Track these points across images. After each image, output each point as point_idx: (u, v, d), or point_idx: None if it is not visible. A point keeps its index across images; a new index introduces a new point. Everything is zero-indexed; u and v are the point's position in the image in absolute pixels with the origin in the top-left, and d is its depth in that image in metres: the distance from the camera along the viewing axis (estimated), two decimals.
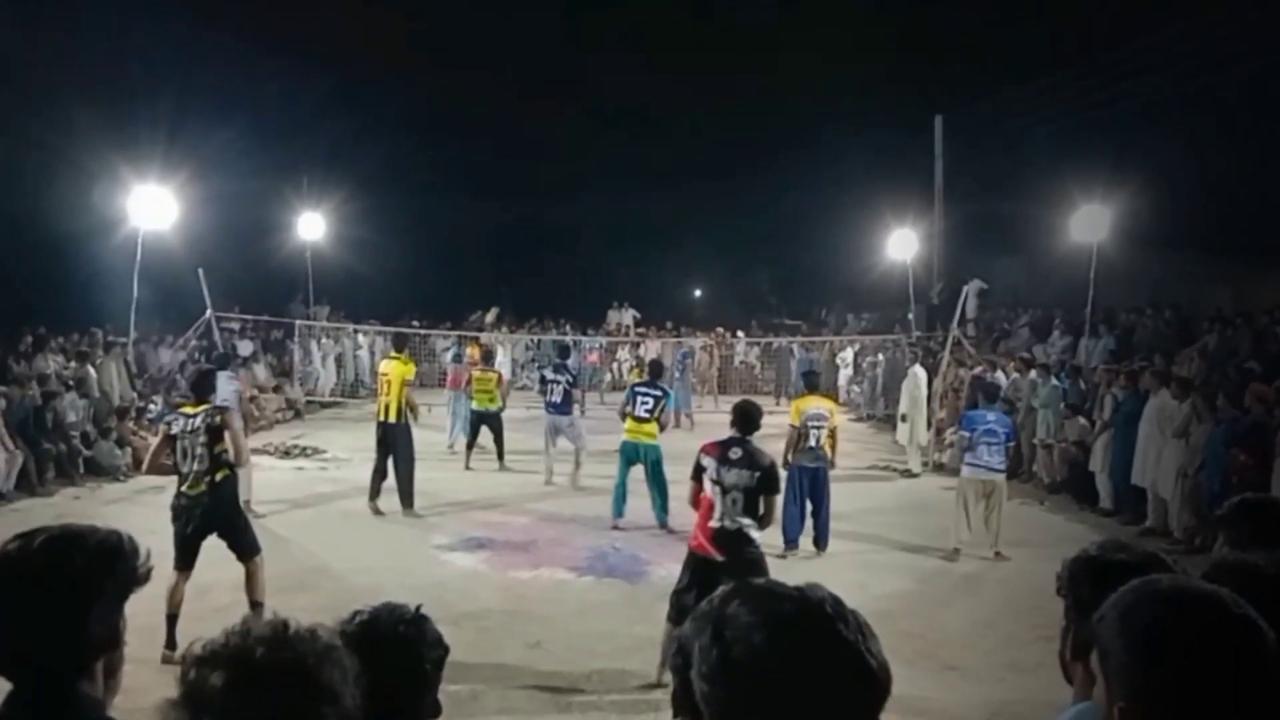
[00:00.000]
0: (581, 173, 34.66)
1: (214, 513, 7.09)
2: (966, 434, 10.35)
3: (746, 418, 6.73)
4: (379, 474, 11.69)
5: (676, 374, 20.78)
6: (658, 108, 33.85)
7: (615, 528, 11.02)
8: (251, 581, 7.14)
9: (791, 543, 10.26)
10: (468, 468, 14.51)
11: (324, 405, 21.28)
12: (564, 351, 15.64)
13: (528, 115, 34.19)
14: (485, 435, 14.87)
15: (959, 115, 22.94)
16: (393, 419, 11.49)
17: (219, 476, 7.07)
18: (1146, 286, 18.17)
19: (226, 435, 7.06)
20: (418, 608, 2.36)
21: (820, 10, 30.37)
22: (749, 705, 1.24)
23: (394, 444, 11.54)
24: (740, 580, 1.36)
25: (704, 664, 1.27)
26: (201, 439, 7.03)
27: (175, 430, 7.21)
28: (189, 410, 7.25)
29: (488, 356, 16.00)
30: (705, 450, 6.58)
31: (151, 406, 15.43)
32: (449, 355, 19.15)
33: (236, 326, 20.83)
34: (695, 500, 6.55)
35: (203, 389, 7.48)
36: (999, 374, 15.90)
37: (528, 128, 34.36)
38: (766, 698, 1.23)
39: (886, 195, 21.79)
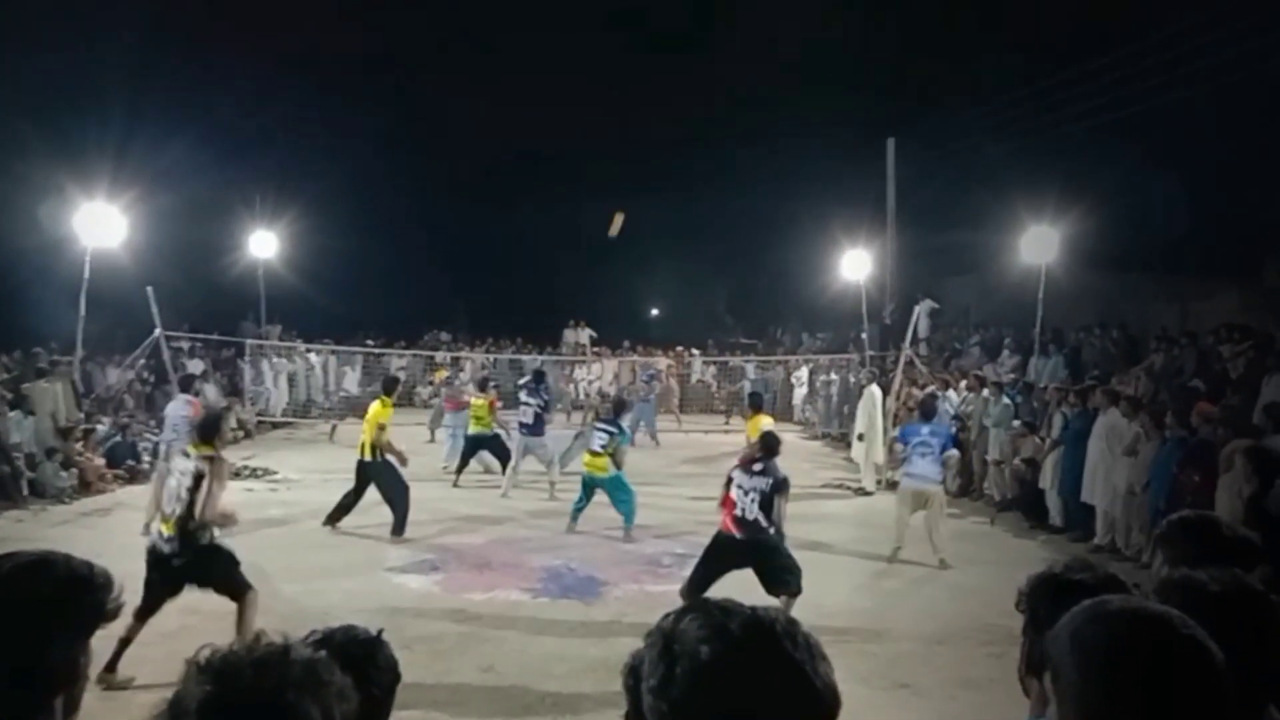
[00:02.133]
0: (538, 192, 34.65)
1: (188, 568, 6.88)
2: (901, 446, 10.82)
3: (770, 446, 8.45)
4: (345, 502, 11.66)
5: (641, 395, 20.86)
6: (612, 126, 33.96)
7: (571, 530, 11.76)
8: (241, 619, 6.89)
9: None
10: (455, 485, 14.71)
11: (275, 425, 21.04)
12: (539, 375, 15.81)
13: (482, 135, 34.10)
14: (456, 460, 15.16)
15: (911, 138, 23.24)
16: (366, 457, 11.56)
17: (193, 527, 6.84)
18: (1094, 306, 18.45)
19: (201, 485, 6.83)
20: (379, 631, 2.31)
21: (774, 34, 30.67)
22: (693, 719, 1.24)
23: (375, 481, 11.56)
24: (690, 601, 1.36)
25: (652, 677, 1.28)
26: (187, 483, 6.86)
27: (173, 466, 7.13)
28: (189, 450, 7.13)
29: (482, 384, 16.06)
30: (736, 467, 8.42)
31: (99, 427, 15.17)
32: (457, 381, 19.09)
33: (186, 346, 20.56)
34: (724, 501, 8.39)
35: (207, 433, 7.25)
36: (950, 392, 16.08)
37: (482, 148, 34.28)
38: (709, 713, 1.23)
39: (840, 216, 21.98)
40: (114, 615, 1.80)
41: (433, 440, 18.77)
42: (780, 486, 8.21)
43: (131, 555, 9.58)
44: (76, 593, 1.75)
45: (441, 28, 33.45)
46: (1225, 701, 1.43)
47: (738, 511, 8.18)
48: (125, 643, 6.64)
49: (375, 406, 11.89)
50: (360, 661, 2.13)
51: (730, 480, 8.39)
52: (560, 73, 33.96)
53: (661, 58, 33.24)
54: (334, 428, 20.50)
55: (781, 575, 8.05)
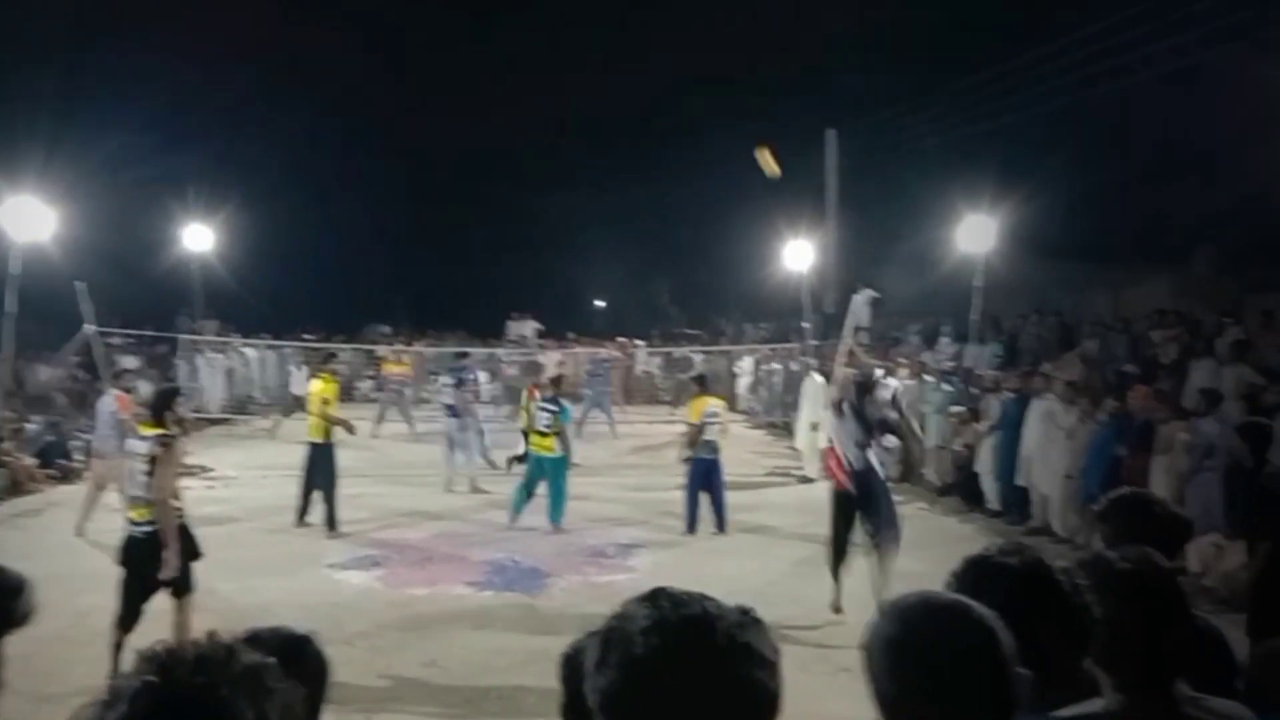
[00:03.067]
0: (477, 182, 34.48)
1: (155, 553, 6.57)
2: None
3: (865, 384, 8.61)
4: (304, 493, 11.60)
5: (586, 385, 20.76)
6: (554, 118, 33.89)
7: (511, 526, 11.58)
8: (179, 620, 6.65)
9: (691, 528, 11.25)
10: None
11: (212, 422, 20.68)
12: (460, 354, 15.72)
13: (421, 125, 33.83)
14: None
15: (851, 130, 23.40)
16: (315, 438, 11.51)
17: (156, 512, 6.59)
18: (1030, 294, 18.74)
19: (155, 468, 6.59)
20: (309, 632, 2.27)
21: (715, 25, 30.76)
22: (627, 712, 1.24)
23: (312, 465, 11.49)
24: (654, 589, 1.35)
25: (590, 661, 1.29)
26: (143, 466, 6.64)
27: (131, 448, 6.91)
28: (144, 431, 6.90)
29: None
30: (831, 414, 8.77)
31: (28, 426, 14.80)
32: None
33: (119, 342, 20.13)
34: (832, 457, 8.52)
35: (156, 410, 6.99)
36: (890, 379, 16.20)
37: (421, 137, 34.01)
38: (635, 704, 1.23)
39: (782, 207, 22.09)
40: (24, 621, 1.74)
41: (377, 436, 18.55)
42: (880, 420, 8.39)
43: (64, 556, 9.42)
44: None
45: (381, 21, 33.07)
46: (1007, 684, 1.50)
47: (847, 465, 8.24)
48: (118, 648, 6.41)
49: (316, 384, 11.81)
50: (286, 661, 2.08)
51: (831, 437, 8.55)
52: (501, 65, 33.81)
53: (602, 49, 33.16)
54: (277, 423, 20.16)
55: (887, 522, 8.11)
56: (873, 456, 8.22)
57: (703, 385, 12.52)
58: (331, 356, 12.93)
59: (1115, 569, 2.09)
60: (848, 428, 8.25)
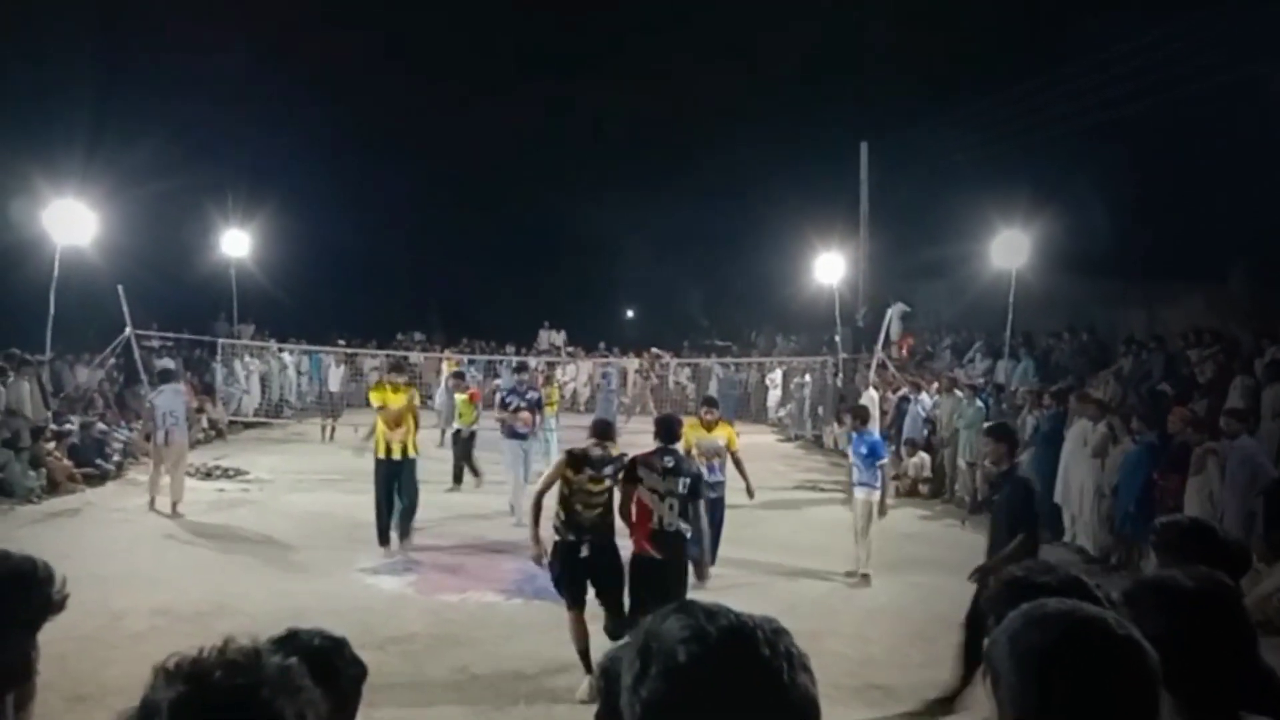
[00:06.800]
0: (513, 191, 34.63)
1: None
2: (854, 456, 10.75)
3: (668, 428, 7.17)
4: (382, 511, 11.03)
5: (605, 392, 20.85)
6: (589, 128, 34.05)
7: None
8: None
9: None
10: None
11: (247, 425, 20.90)
12: (521, 367, 14.87)
13: (457, 133, 34.01)
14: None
15: (884, 142, 23.35)
16: (395, 456, 10.80)
17: None
18: (1064, 310, 18.58)
19: None
20: (343, 637, 2.31)
21: (749, 38, 30.79)
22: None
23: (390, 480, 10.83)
24: (680, 601, 1.35)
25: (628, 674, 1.28)
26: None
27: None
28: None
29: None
30: (640, 461, 6.79)
31: (68, 426, 15.00)
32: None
33: (157, 345, 20.39)
34: (627, 506, 6.75)
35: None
36: (922, 395, 16.16)
37: (457, 146, 34.17)
38: (680, 714, 1.23)
39: (814, 220, 22.13)
40: (60, 607, 1.78)
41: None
42: (698, 486, 6.85)
43: (101, 557, 9.53)
44: (24, 588, 1.73)
45: (419, 28, 33.35)
46: (1157, 703, 1.48)
47: (655, 523, 6.63)
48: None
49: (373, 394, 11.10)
50: (326, 657, 2.12)
51: (638, 478, 6.71)
52: (539, 75, 33.99)
53: (639, 62, 33.27)
54: (327, 428, 20.14)
55: (638, 612, 6.11)
56: (684, 525, 6.66)
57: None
58: (399, 367, 12.07)
59: (1184, 588, 2.05)
60: (669, 484, 6.65)
